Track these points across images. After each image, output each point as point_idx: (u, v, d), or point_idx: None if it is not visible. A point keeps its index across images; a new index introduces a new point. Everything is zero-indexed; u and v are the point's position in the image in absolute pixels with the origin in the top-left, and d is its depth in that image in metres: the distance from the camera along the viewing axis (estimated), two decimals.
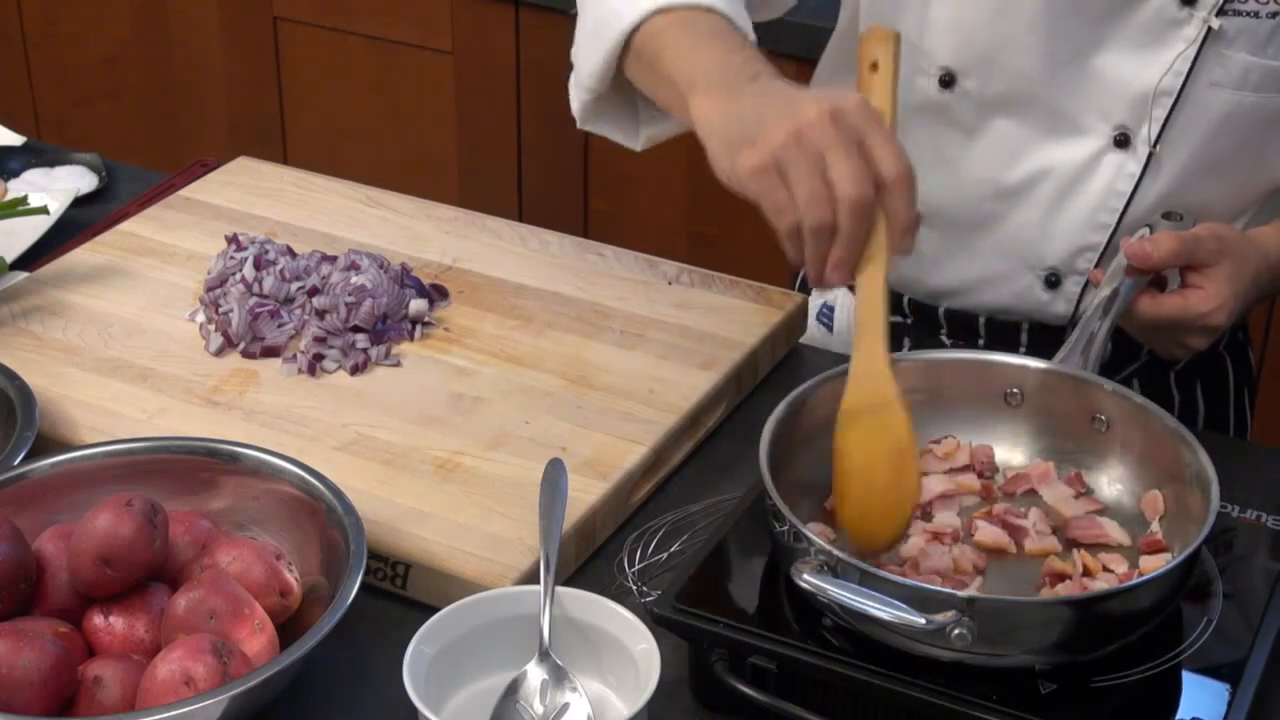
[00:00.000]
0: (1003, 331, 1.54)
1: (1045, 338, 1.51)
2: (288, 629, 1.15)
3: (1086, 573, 1.16)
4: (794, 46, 2.15)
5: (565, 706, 1.10)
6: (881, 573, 1.08)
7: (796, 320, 1.54)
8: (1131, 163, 1.44)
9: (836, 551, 1.09)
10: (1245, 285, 1.35)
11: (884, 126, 1.14)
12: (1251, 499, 1.25)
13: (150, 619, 1.14)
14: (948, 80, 1.46)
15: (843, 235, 1.12)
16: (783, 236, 1.15)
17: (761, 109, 1.16)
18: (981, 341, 1.56)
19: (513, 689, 1.11)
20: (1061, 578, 1.16)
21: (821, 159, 1.12)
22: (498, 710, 1.10)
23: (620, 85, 1.37)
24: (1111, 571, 1.17)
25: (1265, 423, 1.77)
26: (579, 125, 1.44)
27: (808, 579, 1.08)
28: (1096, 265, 1.47)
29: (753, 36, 1.31)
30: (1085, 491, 1.24)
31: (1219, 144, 1.42)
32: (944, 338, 1.58)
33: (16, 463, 1.25)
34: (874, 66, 1.18)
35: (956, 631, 1.04)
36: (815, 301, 1.67)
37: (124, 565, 1.13)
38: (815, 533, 1.12)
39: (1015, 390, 1.28)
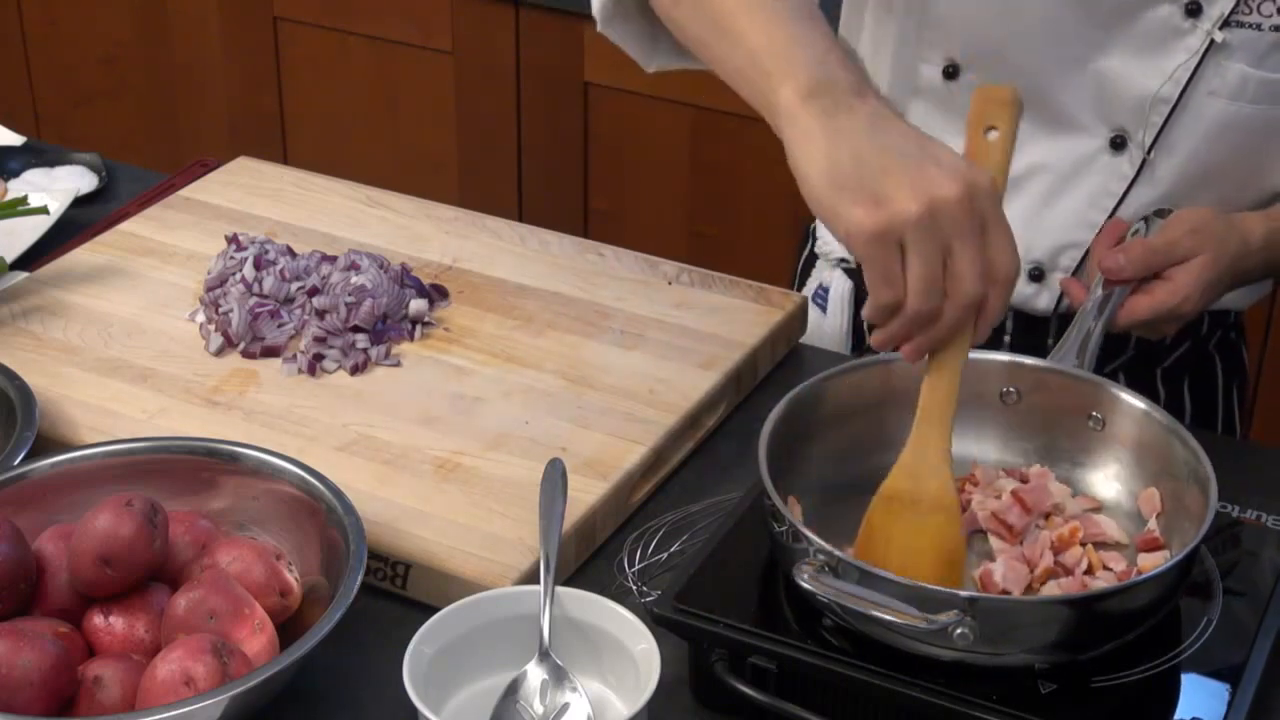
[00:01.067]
0: None
1: (1028, 328, 1.51)
2: (288, 629, 1.15)
3: (1089, 570, 1.16)
4: None
5: (565, 706, 1.10)
6: (881, 573, 1.08)
7: (796, 320, 1.54)
8: (1125, 165, 1.44)
9: (836, 552, 1.09)
10: (1220, 272, 1.35)
11: (1005, 222, 1.07)
12: (1252, 499, 1.25)
13: (150, 619, 1.14)
14: (951, 71, 1.46)
15: (941, 326, 1.08)
16: (873, 304, 1.08)
17: (884, 154, 1.06)
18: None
19: (513, 689, 1.11)
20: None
21: (949, 246, 1.05)
22: (498, 710, 1.10)
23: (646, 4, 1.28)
24: (1110, 570, 1.17)
25: (1265, 422, 1.77)
26: (599, 27, 1.35)
27: (808, 579, 1.08)
28: (1077, 268, 1.48)
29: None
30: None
31: (1213, 152, 1.42)
32: None
33: (16, 463, 1.25)
34: (990, 129, 1.11)
35: (959, 631, 1.04)
36: (810, 284, 1.67)
37: (124, 565, 1.13)
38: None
39: (1011, 389, 1.28)
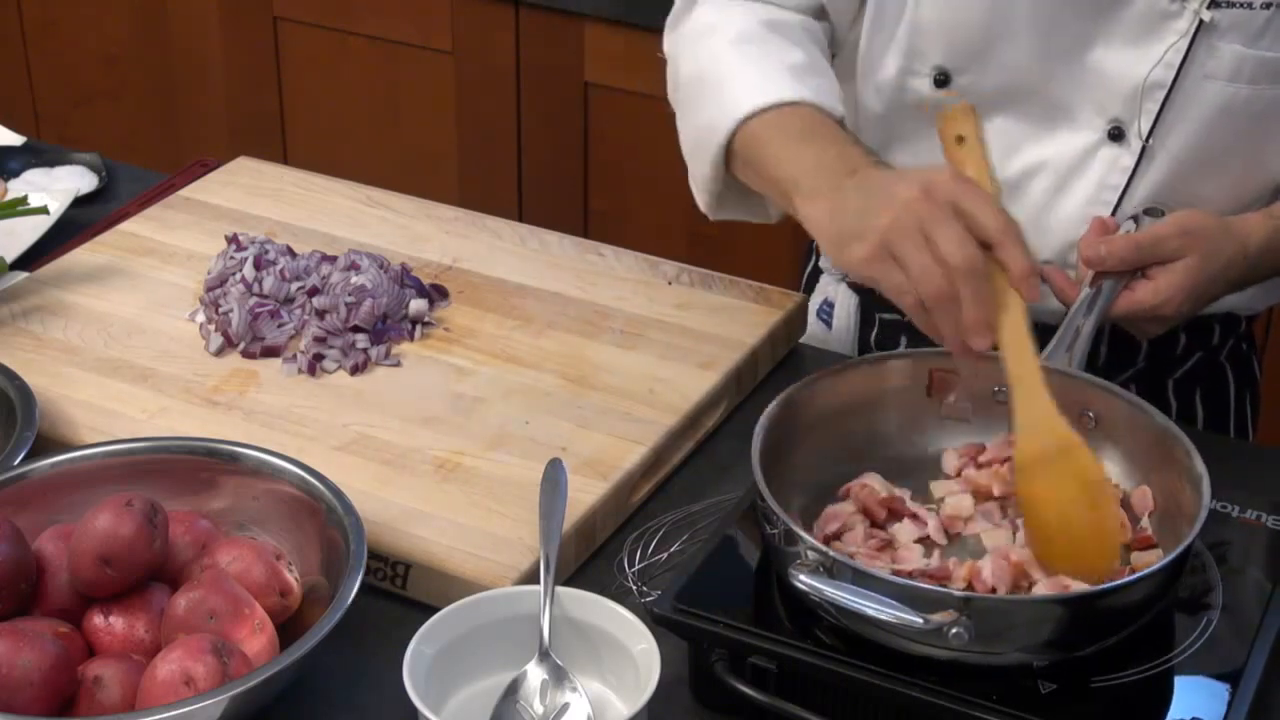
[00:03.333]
0: None
1: (1040, 335, 1.51)
2: (288, 629, 1.15)
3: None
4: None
5: (565, 706, 1.10)
6: (877, 572, 1.08)
7: (796, 320, 1.54)
8: (1125, 156, 1.43)
9: (831, 552, 1.09)
10: (1209, 276, 1.34)
11: (975, 188, 1.17)
12: (1251, 499, 1.25)
13: (150, 619, 1.14)
14: (942, 79, 1.46)
15: (966, 299, 1.15)
16: (911, 314, 1.18)
17: (863, 202, 1.21)
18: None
19: (513, 689, 1.11)
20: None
21: (924, 234, 1.16)
22: (498, 710, 1.10)
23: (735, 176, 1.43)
24: None
25: (1269, 423, 1.77)
26: (711, 218, 1.50)
27: (803, 580, 1.08)
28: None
29: (840, 111, 1.37)
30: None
31: (1214, 137, 1.42)
32: None
33: (16, 463, 1.25)
34: (959, 140, 1.21)
35: (954, 630, 1.04)
36: (816, 298, 1.67)
37: (124, 565, 1.13)
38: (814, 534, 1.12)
39: (1003, 389, 1.27)
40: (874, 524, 1.22)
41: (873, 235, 1.18)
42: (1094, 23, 1.40)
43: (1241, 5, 1.36)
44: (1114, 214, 1.45)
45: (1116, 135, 1.43)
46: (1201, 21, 1.36)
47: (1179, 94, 1.40)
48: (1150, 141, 1.42)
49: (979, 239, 1.15)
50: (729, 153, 1.39)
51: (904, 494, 1.24)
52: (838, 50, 1.52)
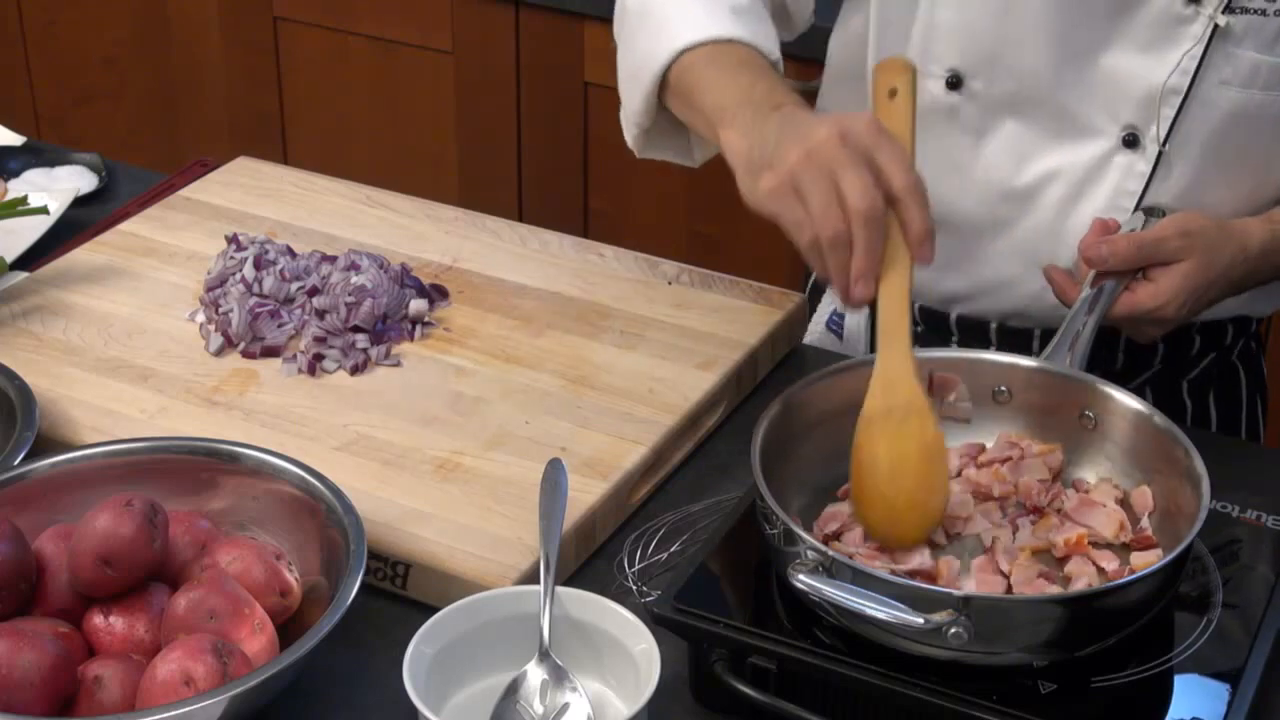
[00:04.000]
0: (1014, 339, 1.54)
1: (1041, 335, 1.51)
2: (288, 629, 1.15)
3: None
4: (793, 47, 2.15)
5: (565, 706, 1.10)
6: (876, 572, 1.09)
7: (796, 320, 1.54)
8: (1141, 162, 1.43)
9: (831, 552, 1.09)
10: (1209, 279, 1.35)
11: (892, 143, 1.18)
12: (1252, 499, 1.25)
13: (150, 619, 1.14)
14: (955, 82, 1.45)
15: (859, 245, 1.16)
16: (805, 252, 1.19)
17: (779, 135, 1.22)
18: (993, 349, 1.55)
19: (513, 689, 1.11)
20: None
21: (832, 176, 1.17)
22: (498, 710, 1.10)
23: (667, 113, 1.43)
24: (1102, 568, 1.17)
25: (1275, 424, 1.77)
26: (637, 155, 1.50)
27: (802, 580, 1.08)
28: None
29: (777, 55, 1.38)
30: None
31: (1229, 143, 1.42)
32: (955, 345, 1.57)
33: (16, 463, 1.25)
34: (892, 93, 1.21)
35: (953, 630, 1.04)
36: (825, 308, 1.67)
37: (124, 565, 1.13)
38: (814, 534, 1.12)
39: (1003, 388, 1.28)
40: None
41: (782, 167, 1.19)
42: (1108, 28, 1.40)
43: (1256, 11, 1.36)
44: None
45: (1131, 142, 1.43)
46: (1217, 26, 1.36)
47: (1195, 100, 1.40)
48: (1166, 148, 1.42)
49: (884, 192, 1.16)
50: (664, 85, 1.40)
51: None
52: (789, 32, 1.52)
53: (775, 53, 1.39)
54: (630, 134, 1.49)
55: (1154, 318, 1.34)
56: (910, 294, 1.19)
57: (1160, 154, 1.42)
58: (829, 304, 1.66)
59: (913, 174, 1.17)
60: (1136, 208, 1.44)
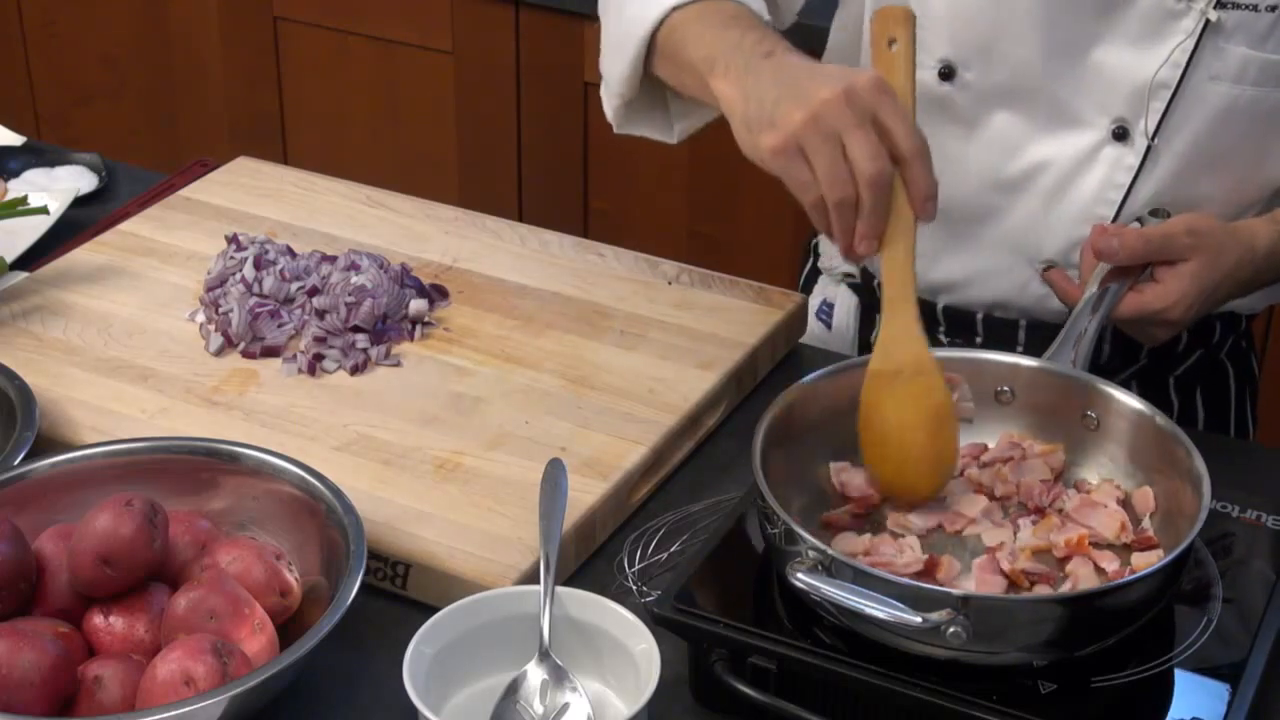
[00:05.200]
0: (1000, 329, 1.55)
1: (1043, 336, 1.51)
2: (288, 629, 1.15)
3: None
4: (790, 38, 2.15)
5: (565, 706, 1.10)
6: (875, 571, 1.09)
7: (796, 320, 1.54)
8: (1130, 155, 1.44)
9: (830, 550, 1.09)
10: (1216, 280, 1.35)
11: (897, 102, 1.18)
12: (1251, 499, 1.25)
13: (150, 619, 1.14)
14: (947, 73, 1.46)
15: (865, 208, 1.17)
16: (809, 210, 1.19)
17: (778, 89, 1.21)
18: (979, 340, 1.56)
19: (513, 689, 1.11)
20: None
21: (838, 138, 1.16)
22: (498, 710, 1.10)
23: (649, 86, 1.42)
24: (1103, 569, 1.17)
25: (1269, 424, 1.77)
26: (615, 130, 1.49)
27: (802, 579, 1.08)
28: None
29: (766, 17, 1.36)
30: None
31: (1218, 138, 1.42)
32: (941, 336, 1.58)
33: (16, 463, 1.25)
34: (890, 43, 1.21)
35: (951, 629, 1.04)
36: (815, 299, 1.67)
37: (124, 565, 1.13)
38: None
39: (1006, 388, 1.28)
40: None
41: (785, 127, 1.18)
42: (1099, 21, 1.40)
43: (1248, 7, 1.36)
44: (1118, 213, 1.45)
45: (1121, 135, 1.43)
46: (1208, 21, 1.36)
47: (1184, 94, 1.40)
48: (1155, 141, 1.42)
49: (889, 153, 1.17)
50: (651, 49, 1.38)
51: None
52: (780, 22, 1.52)
53: (765, 13, 1.38)
54: (610, 106, 1.47)
55: (1161, 319, 1.34)
56: (913, 253, 1.19)
57: (1149, 147, 1.42)
58: (819, 294, 1.67)
59: (916, 133, 1.18)
60: (1123, 200, 1.45)
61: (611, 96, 1.46)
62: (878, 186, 1.16)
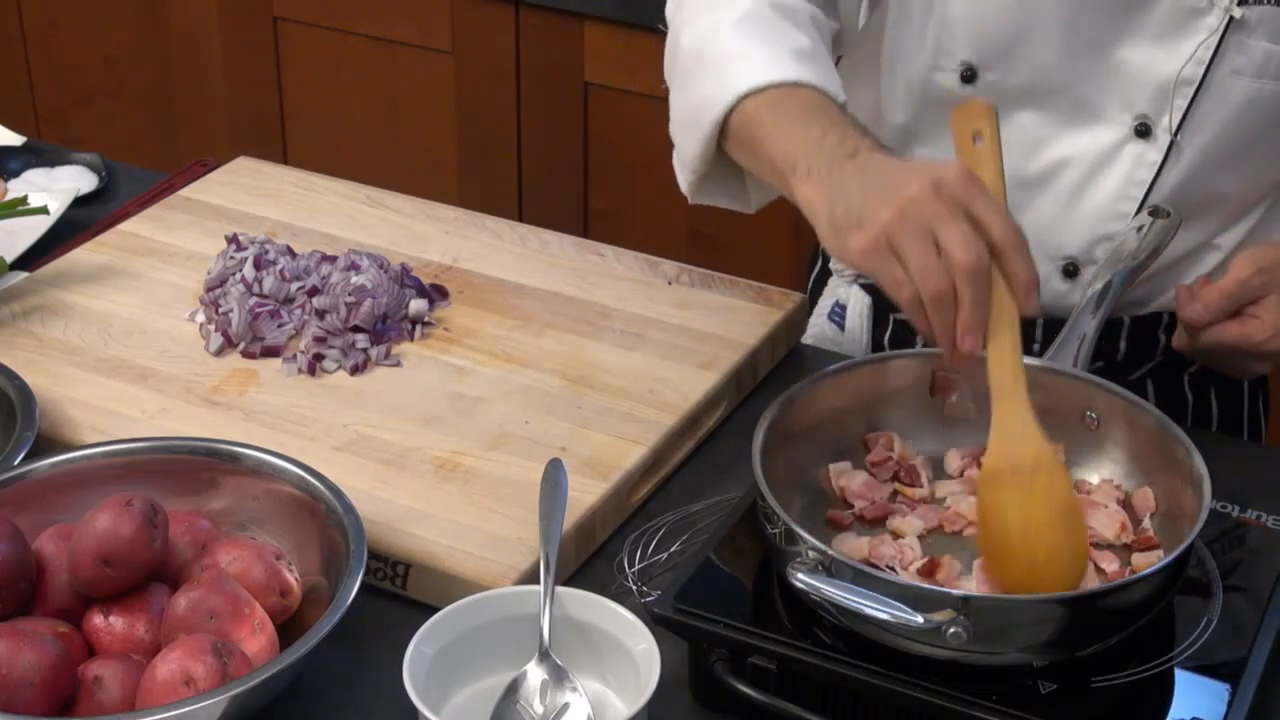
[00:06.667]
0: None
1: (1045, 333, 1.51)
2: (288, 629, 1.15)
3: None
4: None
5: (565, 706, 1.10)
6: (875, 572, 1.09)
7: (796, 320, 1.54)
8: (1152, 152, 1.44)
9: (830, 551, 1.09)
10: None
11: (988, 193, 1.15)
12: (1252, 499, 1.25)
13: (150, 619, 1.14)
14: (969, 75, 1.46)
15: (964, 301, 1.13)
16: (906, 310, 1.16)
17: (864, 189, 1.18)
18: None
19: (513, 689, 1.11)
20: None
21: (930, 231, 1.13)
22: (498, 710, 1.10)
23: (723, 158, 1.39)
24: (1103, 569, 1.17)
25: (1276, 422, 1.77)
26: (690, 201, 1.46)
27: (802, 579, 1.08)
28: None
29: (843, 97, 1.32)
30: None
31: (1239, 132, 1.42)
32: None
33: (16, 463, 1.25)
34: (975, 138, 1.19)
35: (952, 630, 1.04)
36: (826, 301, 1.67)
37: (124, 565, 1.13)
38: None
39: None
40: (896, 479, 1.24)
41: (874, 226, 1.15)
42: (1122, 20, 1.40)
43: (1271, 2, 1.37)
44: (1139, 209, 1.45)
45: (1143, 132, 1.43)
46: (1232, 18, 1.37)
47: (1207, 90, 1.40)
48: (1178, 137, 1.42)
49: (985, 243, 1.13)
50: (723, 131, 1.35)
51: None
52: (842, 51, 1.51)
53: (842, 96, 1.33)
54: (684, 180, 1.45)
55: (1263, 351, 1.34)
56: (1020, 347, 1.16)
57: (1171, 144, 1.43)
58: (831, 296, 1.66)
59: (1011, 223, 1.14)
60: (1146, 196, 1.44)
61: (685, 171, 1.43)
62: (975, 277, 1.12)
